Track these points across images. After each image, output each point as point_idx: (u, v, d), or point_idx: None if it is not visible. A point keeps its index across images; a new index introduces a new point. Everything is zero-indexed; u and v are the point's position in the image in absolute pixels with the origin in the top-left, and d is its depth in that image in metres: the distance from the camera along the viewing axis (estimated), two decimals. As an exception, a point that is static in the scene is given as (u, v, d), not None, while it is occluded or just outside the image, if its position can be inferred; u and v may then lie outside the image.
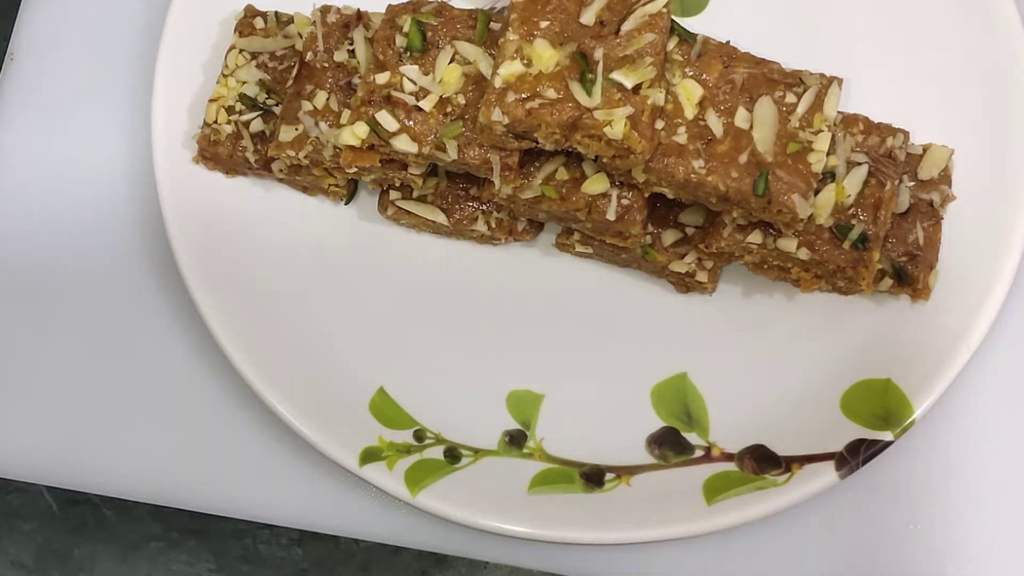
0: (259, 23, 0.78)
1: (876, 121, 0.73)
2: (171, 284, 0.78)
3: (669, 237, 0.74)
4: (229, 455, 0.76)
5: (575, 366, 0.77)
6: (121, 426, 0.77)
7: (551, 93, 0.65)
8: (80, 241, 0.80)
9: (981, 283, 0.73)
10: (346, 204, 0.79)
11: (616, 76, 0.65)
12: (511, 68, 0.66)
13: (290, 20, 0.78)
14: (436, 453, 0.74)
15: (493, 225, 0.76)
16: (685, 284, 0.76)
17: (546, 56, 0.66)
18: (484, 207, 0.76)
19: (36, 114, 0.83)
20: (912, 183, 0.74)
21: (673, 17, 0.70)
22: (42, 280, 0.80)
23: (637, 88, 0.65)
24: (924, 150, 0.75)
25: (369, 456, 0.72)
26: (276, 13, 0.78)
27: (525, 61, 0.66)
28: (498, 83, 0.66)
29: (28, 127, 0.83)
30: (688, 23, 0.80)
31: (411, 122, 0.69)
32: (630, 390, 0.76)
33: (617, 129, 0.64)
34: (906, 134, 0.73)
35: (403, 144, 0.69)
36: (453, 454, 0.74)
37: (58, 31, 0.84)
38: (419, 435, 0.74)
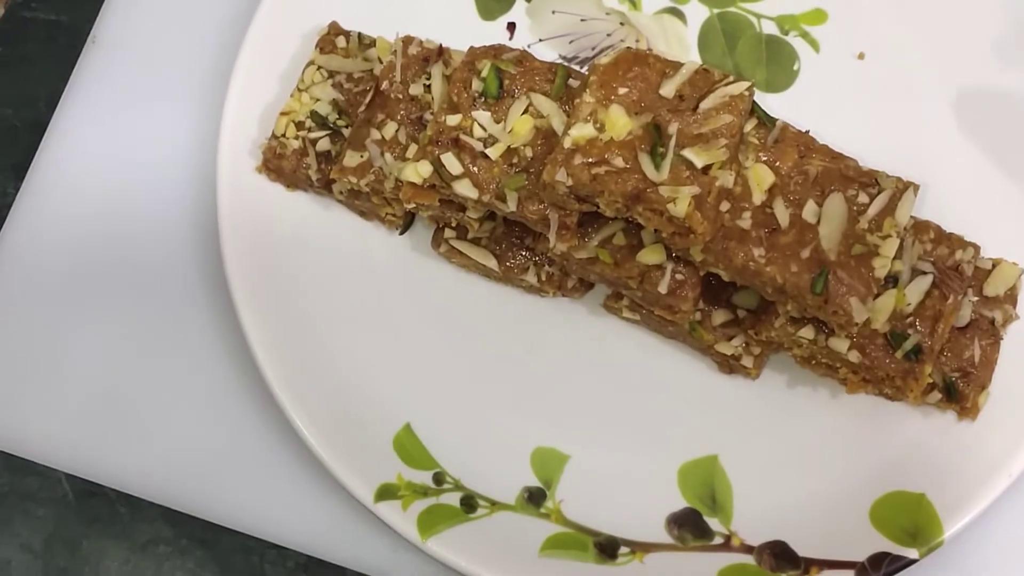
0: (341, 42, 0.78)
1: (948, 231, 0.71)
2: (217, 290, 0.78)
3: (719, 317, 0.73)
4: (250, 470, 0.76)
5: (606, 431, 0.75)
6: (147, 425, 0.77)
7: (619, 162, 0.64)
8: (134, 236, 0.80)
9: (1032, 410, 0.71)
10: (401, 234, 0.78)
11: (687, 153, 0.64)
12: (583, 131, 0.65)
13: (372, 43, 0.78)
14: (452, 499, 0.73)
15: (543, 278, 0.75)
16: (729, 366, 0.75)
17: (620, 123, 0.65)
18: (536, 258, 0.75)
19: (110, 101, 0.83)
20: (976, 298, 0.72)
21: (755, 99, 0.68)
22: (93, 270, 0.80)
23: (707, 168, 0.64)
24: (993, 265, 0.73)
25: (385, 493, 0.72)
26: (359, 34, 0.78)
27: (598, 125, 0.65)
28: (567, 143, 0.65)
29: (100, 113, 0.83)
30: (771, 98, 0.80)
31: (475, 168, 0.68)
32: (658, 464, 0.74)
33: (680, 207, 0.63)
34: (976, 248, 0.71)
35: (464, 189, 0.68)
36: (469, 503, 0.73)
37: (143, 20, 0.85)
38: (438, 478, 0.73)
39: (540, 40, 0.82)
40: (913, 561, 0.69)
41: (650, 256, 0.69)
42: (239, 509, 0.75)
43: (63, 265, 0.81)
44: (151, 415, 0.77)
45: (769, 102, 0.79)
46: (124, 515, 0.77)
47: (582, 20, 0.81)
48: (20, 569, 0.77)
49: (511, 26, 0.82)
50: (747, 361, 0.73)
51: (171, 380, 0.78)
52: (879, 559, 0.69)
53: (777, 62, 0.80)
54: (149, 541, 0.77)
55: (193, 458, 0.76)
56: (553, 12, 0.82)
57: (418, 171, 0.68)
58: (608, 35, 0.81)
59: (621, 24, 0.81)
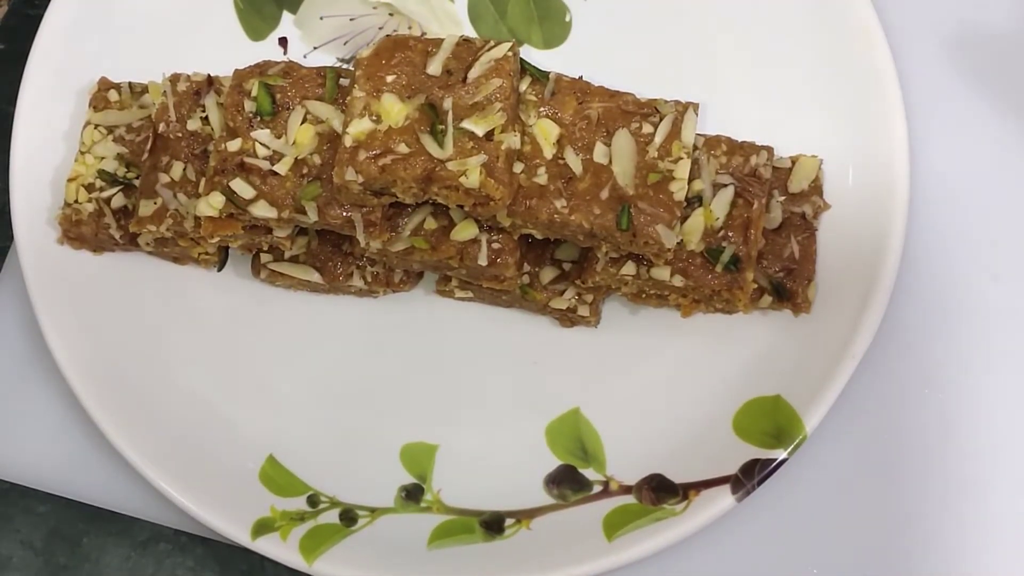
0: (113, 96, 0.76)
1: (740, 141, 0.73)
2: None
3: (547, 275, 0.74)
4: None
5: (467, 412, 0.76)
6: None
7: (403, 148, 0.64)
8: None
9: (861, 291, 0.73)
10: (219, 271, 0.77)
11: (467, 125, 0.64)
12: (360, 126, 0.65)
13: (144, 90, 0.76)
14: (332, 517, 0.72)
15: (369, 279, 0.75)
16: (569, 319, 0.76)
17: (395, 111, 0.65)
18: (359, 262, 0.74)
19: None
20: (783, 197, 0.74)
21: (534, 59, 0.69)
22: None
23: (490, 135, 0.65)
24: (793, 162, 0.75)
25: (261, 528, 0.71)
26: (130, 84, 0.77)
27: (374, 117, 0.65)
28: (348, 142, 0.65)
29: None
30: (552, 55, 0.81)
31: (267, 187, 0.67)
32: (525, 430, 0.75)
33: (473, 178, 0.64)
34: (770, 150, 0.72)
35: (261, 210, 0.67)
36: (349, 516, 0.72)
37: None
38: (313, 500, 0.73)
39: (315, 48, 0.81)
40: (782, 461, 0.71)
41: (463, 232, 0.69)
42: None
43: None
44: None
45: (551, 59, 0.80)
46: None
47: (351, 20, 0.81)
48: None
49: (283, 41, 0.81)
50: (583, 311, 0.74)
51: None
52: (750, 467, 0.71)
53: (549, 18, 0.81)
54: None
55: None
56: (321, 18, 0.81)
57: (211, 204, 0.67)
58: (380, 28, 0.81)
59: (391, 15, 0.81)
